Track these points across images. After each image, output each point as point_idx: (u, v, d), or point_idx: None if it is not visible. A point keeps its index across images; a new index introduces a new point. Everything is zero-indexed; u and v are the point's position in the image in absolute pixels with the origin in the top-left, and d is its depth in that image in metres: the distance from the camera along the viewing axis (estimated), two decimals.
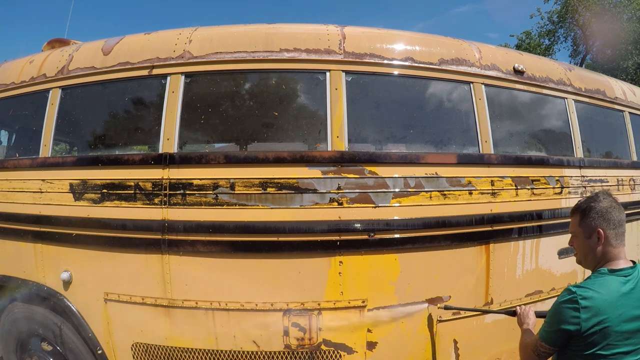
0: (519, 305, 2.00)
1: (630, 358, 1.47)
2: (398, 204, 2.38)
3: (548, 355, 1.60)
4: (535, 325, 1.86)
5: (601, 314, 1.44)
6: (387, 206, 2.36)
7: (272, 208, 2.29)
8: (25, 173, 2.71)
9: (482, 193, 2.56)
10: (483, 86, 2.70)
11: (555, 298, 1.63)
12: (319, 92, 2.46)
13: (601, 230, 1.55)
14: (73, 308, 2.54)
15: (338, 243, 2.29)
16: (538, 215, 2.71)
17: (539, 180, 2.78)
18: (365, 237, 2.31)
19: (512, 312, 2.03)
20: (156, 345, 2.42)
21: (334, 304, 2.31)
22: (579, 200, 1.69)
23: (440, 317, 2.45)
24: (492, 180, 2.59)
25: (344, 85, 2.44)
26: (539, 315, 1.94)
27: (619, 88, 3.67)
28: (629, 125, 3.65)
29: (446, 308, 2.40)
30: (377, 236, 2.32)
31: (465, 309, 2.45)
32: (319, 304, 2.30)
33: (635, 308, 1.48)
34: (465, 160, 2.58)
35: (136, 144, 3.35)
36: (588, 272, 1.68)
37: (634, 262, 1.59)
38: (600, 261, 1.58)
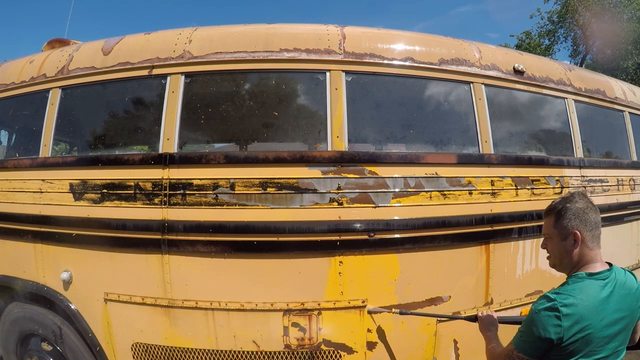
0: (481, 312, 1.93)
1: None
2: (398, 204, 2.38)
3: None
4: (500, 331, 1.81)
5: (583, 321, 1.38)
6: (387, 206, 2.36)
7: (272, 208, 2.29)
8: (25, 173, 2.71)
9: (482, 193, 2.56)
10: (483, 86, 2.70)
11: None
12: (319, 92, 2.46)
13: (578, 232, 1.49)
14: (73, 308, 2.54)
15: (338, 243, 2.28)
16: (538, 215, 2.70)
17: (539, 180, 2.78)
18: (365, 237, 2.31)
19: (473, 318, 1.97)
20: (156, 345, 2.42)
21: (334, 304, 2.31)
22: (553, 201, 1.62)
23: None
24: (492, 180, 2.59)
25: (344, 85, 2.43)
26: (502, 321, 1.89)
27: (619, 88, 3.67)
28: (629, 125, 3.65)
29: (401, 313, 2.31)
30: (377, 236, 2.32)
31: (422, 314, 2.37)
32: (319, 304, 2.30)
33: (616, 311, 1.44)
34: (465, 160, 2.58)
35: (136, 144, 3.35)
36: None
37: (609, 264, 1.54)
38: (577, 264, 1.53)
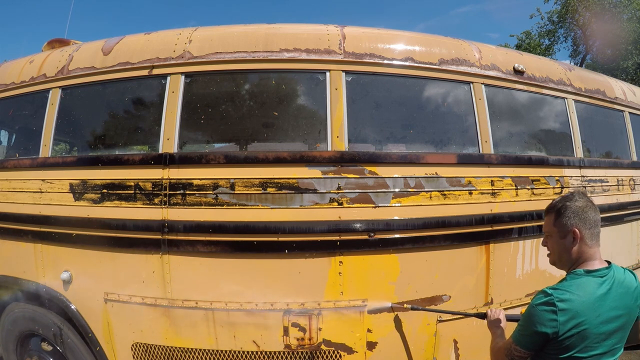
0: (490, 309, 1.95)
1: (606, 359, 1.46)
2: (398, 204, 2.38)
3: (522, 359, 1.53)
4: (507, 329, 1.83)
5: (579, 317, 1.40)
6: (387, 206, 2.36)
7: (272, 208, 2.29)
8: (25, 173, 2.71)
9: (482, 193, 2.56)
10: (483, 86, 2.70)
11: None
12: (319, 92, 2.46)
13: (577, 230, 1.51)
14: (73, 308, 2.54)
15: (338, 243, 2.29)
16: (538, 215, 2.71)
17: (539, 180, 2.78)
18: (366, 237, 2.31)
19: (482, 315, 2.00)
20: (156, 345, 2.42)
21: (334, 304, 2.31)
22: (553, 200, 1.64)
23: (440, 317, 2.45)
24: (492, 180, 2.59)
25: (344, 85, 2.44)
26: (510, 319, 1.90)
27: (619, 88, 3.67)
28: (629, 125, 3.65)
29: (412, 309, 2.32)
30: (377, 236, 2.32)
31: (432, 310, 2.38)
32: (319, 304, 2.30)
33: (613, 309, 1.45)
34: (465, 160, 2.58)
35: (136, 144, 3.35)
36: None
37: (608, 262, 1.56)
38: (576, 262, 1.55)
